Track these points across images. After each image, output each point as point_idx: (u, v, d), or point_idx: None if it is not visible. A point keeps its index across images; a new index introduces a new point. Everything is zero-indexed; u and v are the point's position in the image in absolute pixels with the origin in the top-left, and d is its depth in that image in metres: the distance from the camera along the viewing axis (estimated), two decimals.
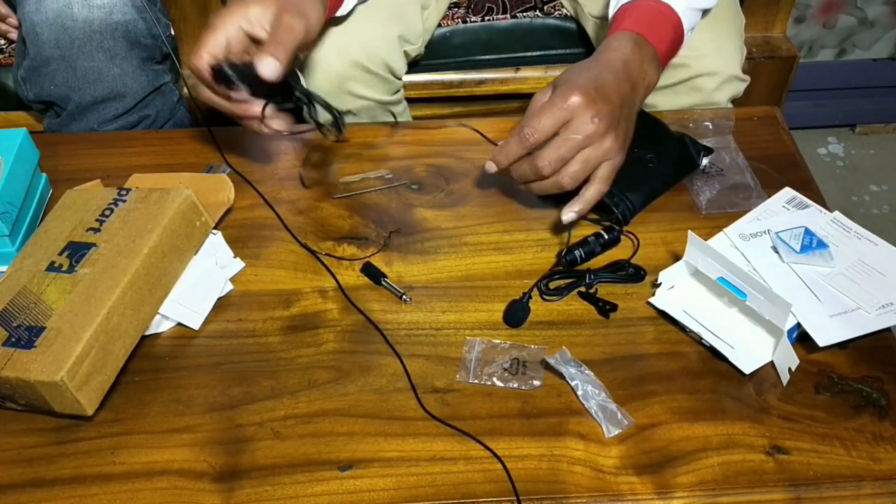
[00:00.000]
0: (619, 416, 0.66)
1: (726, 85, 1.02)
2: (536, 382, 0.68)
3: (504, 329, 0.73)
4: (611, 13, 0.88)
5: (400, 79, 1.11)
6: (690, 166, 0.86)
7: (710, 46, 0.99)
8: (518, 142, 0.74)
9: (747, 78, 1.04)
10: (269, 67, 0.74)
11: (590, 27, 1.18)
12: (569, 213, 0.76)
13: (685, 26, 0.84)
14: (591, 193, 0.76)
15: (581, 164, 0.73)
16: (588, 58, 0.80)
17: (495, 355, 0.70)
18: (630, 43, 0.79)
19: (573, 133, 0.72)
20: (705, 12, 0.91)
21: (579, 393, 0.67)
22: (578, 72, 0.76)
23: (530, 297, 0.74)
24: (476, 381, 0.69)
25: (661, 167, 0.84)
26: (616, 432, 0.65)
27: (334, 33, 1.02)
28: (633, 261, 0.78)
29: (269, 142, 0.93)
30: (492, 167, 0.77)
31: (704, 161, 0.87)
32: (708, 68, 1.00)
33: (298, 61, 0.88)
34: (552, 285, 0.76)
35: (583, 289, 0.76)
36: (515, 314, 0.73)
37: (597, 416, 0.66)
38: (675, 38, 0.84)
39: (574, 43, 1.26)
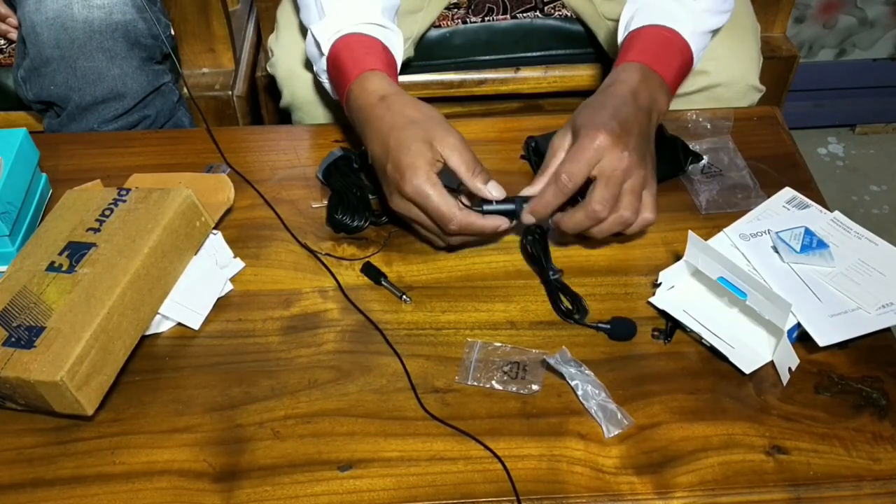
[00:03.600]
0: (619, 416, 0.66)
1: (743, 95, 1.02)
2: (535, 387, 0.68)
3: (504, 329, 0.73)
4: (620, 37, 0.88)
5: None
6: (675, 170, 0.86)
7: (728, 56, 0.99)
8: (555, 191, 0.74)
9: (763, 88, 1.04)
10: (497, 189, 0.75)
11: (600, 28, 1.17)
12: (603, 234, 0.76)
13: (694, 49, 0.85)
14: (639, 224, 0.76)
15: (630, 193, 0.74)
16: (597, 92, 0.80)
17: (495, 358, 0.70)
18: (637, 74, 0.79)
19: (611, 171, 0.72)
20: (716, 31, 0.91)
21: (579, 393, 0.67)
22: (595, 111, 0.76)
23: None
24: (475, 383, 0.69)
25: None
26: (616, 432, 0.65)
27: None
28: (633, 261, 0.79)
29: (272, 143, 0.93)
30: (530, 219, 0.76)
31: (689, 167, 0.86)
32: (725, 78, 1.01)
33: None
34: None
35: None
36: (626, 331, 0.72)
37: (597, 416, 0.66)
38: (683, 63, 0.85)
39: (574, 43, 1.26)
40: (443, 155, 0.73)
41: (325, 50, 0.85)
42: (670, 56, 0.83)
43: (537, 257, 0.77)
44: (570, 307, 0.74)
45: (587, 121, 0.75)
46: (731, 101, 1.02)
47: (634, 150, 0.73)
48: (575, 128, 0.76)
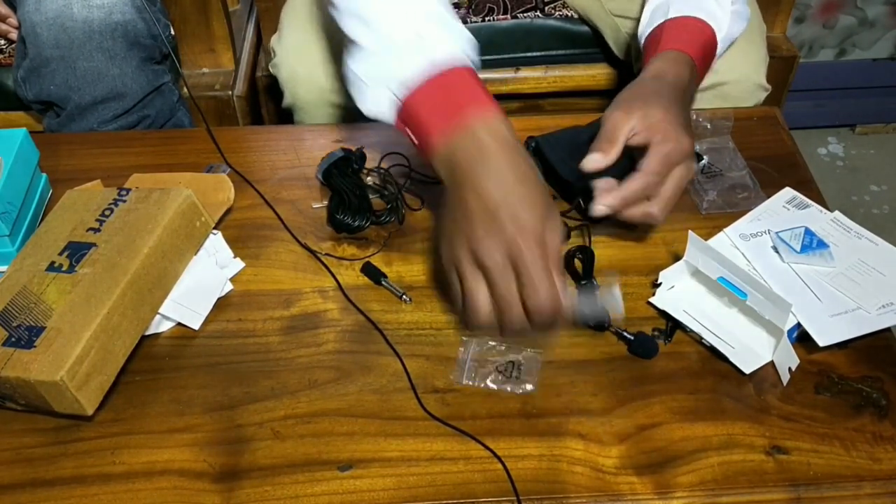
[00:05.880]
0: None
1: (750, 94, 1.03)
2: (529, 386, 0.68)
3: None
4: (646, 23, 0.88)
5: None
6: None
7: (737, 54, 0.99)
8: (643, 189, 0.73)
9: (769, 87, 1.05)
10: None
11: (606, 25, 1.17)
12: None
13: (719, 50, 0.87)
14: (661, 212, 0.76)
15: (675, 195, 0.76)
16: (657, 77, 0.79)
17: (491, 357, 0.70)
18: (688, 70, 0.80)
19: (680, 181, 0.74)
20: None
21: None
22: (667, 107, 0.75)
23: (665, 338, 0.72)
24: (469, 382, 0.69)
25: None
26: None
27: (321, 45, 1.02)
28: (633, 261, 0.79)
29: (272, 143, 0.93)
30: (603, 210, 0.73)
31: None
32: (734, 76, 1.01)
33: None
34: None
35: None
36: (648, 349, 0.71)
37: None
38: (711, 59, 0.86)
39: (575, 43, 1.26)
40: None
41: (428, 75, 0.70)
42: (710, 56, 0.85)
43: (583, 270, 0.77)
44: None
45: (662, 120, 0.74)
46: (739, 100, 1.02)
47: (691, 153, 0.75)
48: (643, 114, 0.74)
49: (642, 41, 0.88)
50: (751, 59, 1.02)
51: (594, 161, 0.74)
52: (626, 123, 0.75)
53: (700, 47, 0.83)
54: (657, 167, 0.73)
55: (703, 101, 1.02)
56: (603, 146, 0.75)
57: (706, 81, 0.99)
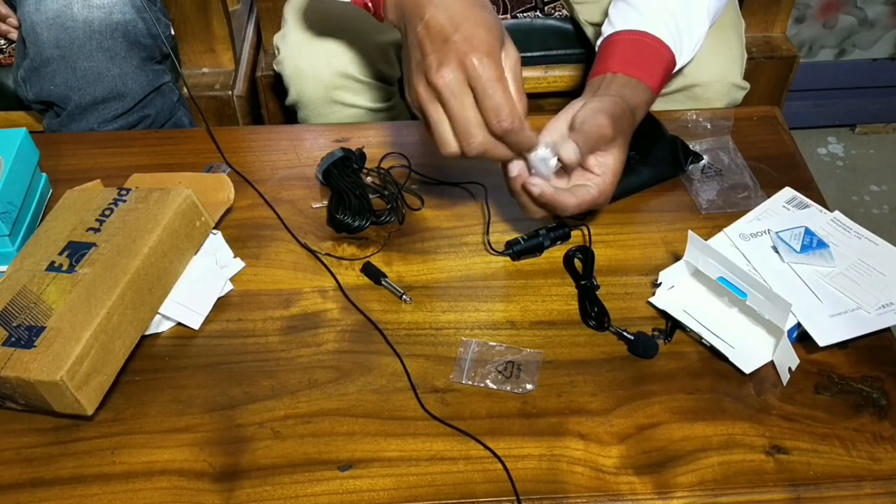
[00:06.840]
0: None
1: (724, 94, 1.01)
2: (529, 386, 0.68)
3: (504, 329, 0.73)
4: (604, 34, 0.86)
5: (393, 85, 1.10)
6: (675, 170, 0.86)
7: (708, 54, 0.98)
8: (596, 204, 0.73)
9: (747, 85, 1.03)
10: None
11: (587, 31, 1.18)
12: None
13: (677, 66, 0.85)
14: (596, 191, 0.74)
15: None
16: (634, 113, 0.77)
17: (490, 357, 0.70)
18: (645, 104, 0.79)
19: (580, 207, 0.74)
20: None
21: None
22: (623, 157, 0.74)
23: (666, 338, 0.72)
24: (469, 382, 0.69)
25: (639, 166, 0.84)
26: None
27: (325, 42, 1.03)
28: (633, 261, 0.79)
29: (272, 143, 0.93)
30: (571, 154, 0.72)
31: (689, 167, 0.86)
32: (705, 77, 0.99)
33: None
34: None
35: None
36: (647, 349, 0.71)
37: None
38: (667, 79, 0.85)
39: (574, 44, 1.26)
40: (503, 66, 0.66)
41: None
42: (666, 77, 0.83)
43: (583, 270, 0.77)
44: (594, 313, 0.73)
45: (621, 136, 0.73)
46: (712, 101, 1.01)
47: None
48: (612, 157, 0.73)
49: (614, 29, 0.84)
50: (721, 59, 1.00)
51: (573, 152, 0.71)
52: (605, 142, 0.72)
53: (661, 80, 0.82)
54: (577, 205, 0.72)
55: (674, 101, 1.00)
56: (583, 147, 0.72)
57: (674, 84, 0.99)
